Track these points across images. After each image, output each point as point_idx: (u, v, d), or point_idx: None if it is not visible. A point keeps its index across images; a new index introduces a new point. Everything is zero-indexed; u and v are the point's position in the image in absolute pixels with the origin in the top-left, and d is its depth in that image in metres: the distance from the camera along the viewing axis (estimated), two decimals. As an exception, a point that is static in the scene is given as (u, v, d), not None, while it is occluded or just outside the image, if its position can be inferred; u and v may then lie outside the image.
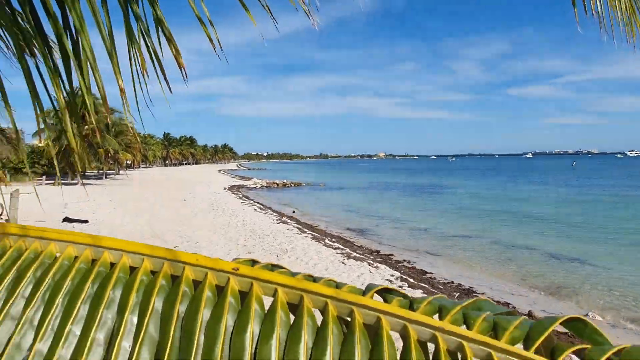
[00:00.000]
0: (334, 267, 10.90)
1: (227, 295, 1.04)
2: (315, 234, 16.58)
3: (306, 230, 17.43)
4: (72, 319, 1.00)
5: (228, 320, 1.00)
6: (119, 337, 0.98)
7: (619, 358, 0.89)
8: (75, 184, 39.93)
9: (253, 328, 0.99)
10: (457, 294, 9.61)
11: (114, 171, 65.75)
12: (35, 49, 1.48)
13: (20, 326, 0.99)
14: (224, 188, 41.91)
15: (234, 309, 1.03)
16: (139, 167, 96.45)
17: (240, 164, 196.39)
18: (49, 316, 1.00)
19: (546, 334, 0.96)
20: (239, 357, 0.95)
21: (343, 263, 11.39)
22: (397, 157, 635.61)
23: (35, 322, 1.00)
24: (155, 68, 1.36)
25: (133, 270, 1.11)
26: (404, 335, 1.00)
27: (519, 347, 0.95)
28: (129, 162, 77.87)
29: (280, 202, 31.61)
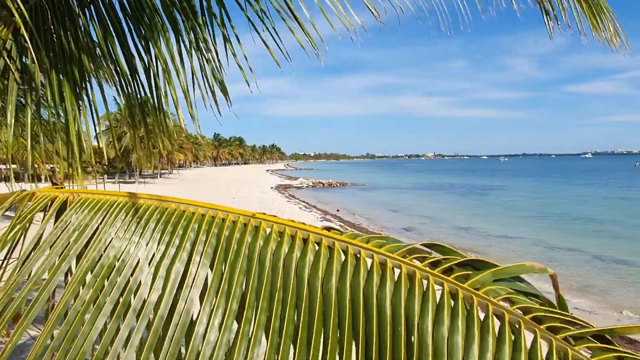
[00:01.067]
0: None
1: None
2: (359, 233, 17.07)
3: (348, 227, 18.02)
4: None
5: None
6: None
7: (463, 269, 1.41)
8: (133, 182, 42.48)
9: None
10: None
11: (167, 170, 69.14)
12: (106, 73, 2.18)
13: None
14: (271, 187, 43.22)
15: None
16: (191, 166, 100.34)
17: (287, 164, 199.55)
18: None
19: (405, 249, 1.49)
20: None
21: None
22: (446, 157, 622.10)
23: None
24: (211, 88, 2.01)
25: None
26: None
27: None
28: (181, 161, 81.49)
29: (325, 201, 32.34)
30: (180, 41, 2.01)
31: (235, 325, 1.29)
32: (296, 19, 1.84)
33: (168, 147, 54.50)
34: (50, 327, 1.31)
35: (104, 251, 1.43)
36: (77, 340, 1.25)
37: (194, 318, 1.30)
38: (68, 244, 1.48)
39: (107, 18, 2.03)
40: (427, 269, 1.41)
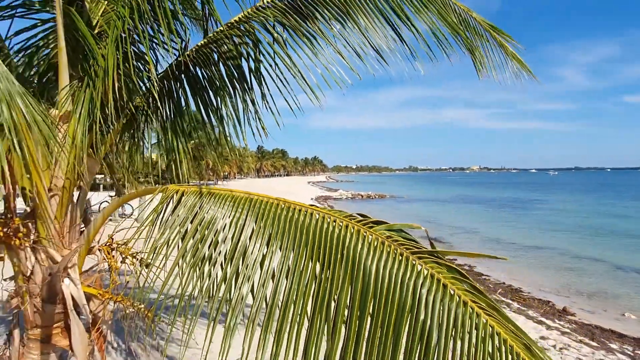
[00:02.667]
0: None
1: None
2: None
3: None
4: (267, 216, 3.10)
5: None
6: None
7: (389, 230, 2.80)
8: (183, 192, 45.19)
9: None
10: (499, 290, 10.90)
11: (213, 181, 72.49)
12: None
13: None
14: (311, 198, 44.86)
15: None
16: (235, 178, 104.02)
17: (329, 176, 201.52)
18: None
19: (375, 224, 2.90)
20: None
21: (404, 262, 13.09)
22: (492, 170, 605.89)
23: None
24: (261, 122, 3.50)
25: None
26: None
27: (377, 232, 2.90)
28: (226, 173, 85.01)
29: (362, 212, 33.44)
30: (237, 94, 3.54)
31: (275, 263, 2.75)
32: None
33: (214, 159, 57.58)
34: (179, 258, 2.80)
35: (206, 217, 2.92)
36: (194, 260, 2.74)
37: (250, 254, 2.76)
38: (185, 214, 2.98)
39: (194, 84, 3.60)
40: (362, 226, 2.82)
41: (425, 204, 44.16)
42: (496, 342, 2.17)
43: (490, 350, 2.15)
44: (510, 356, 2.13)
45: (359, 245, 2.56)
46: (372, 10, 3.50)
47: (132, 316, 3.73)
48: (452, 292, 2.32)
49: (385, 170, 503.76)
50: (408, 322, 2.26)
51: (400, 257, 2.48)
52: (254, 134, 3.51)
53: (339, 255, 2.54)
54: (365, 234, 2.63)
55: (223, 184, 72.58)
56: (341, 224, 2.69)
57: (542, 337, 7.19)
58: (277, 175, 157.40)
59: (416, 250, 2.56)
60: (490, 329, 2.21)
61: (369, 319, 2.32)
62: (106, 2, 3.16)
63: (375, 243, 2.57)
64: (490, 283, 11.89)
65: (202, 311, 2.52)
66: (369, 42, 3.41)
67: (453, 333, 2.19)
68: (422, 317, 2.26)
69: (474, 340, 2.17)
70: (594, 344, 7.30)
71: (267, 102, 3.47)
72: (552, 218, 30.93)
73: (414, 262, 2.46)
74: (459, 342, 2.17)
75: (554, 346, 6.77)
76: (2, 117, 2.45)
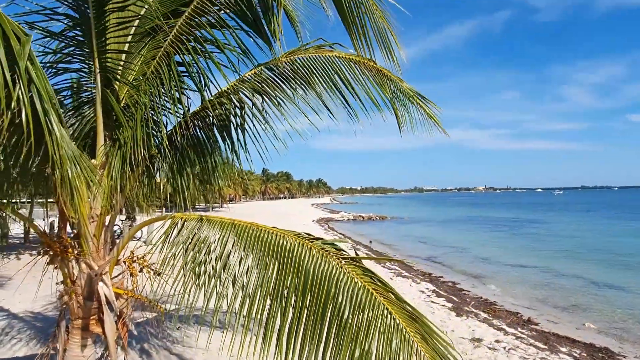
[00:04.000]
0: (382, 281, 13.75)
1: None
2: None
3: (371, 254, 20.34)
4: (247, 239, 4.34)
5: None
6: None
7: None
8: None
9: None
10: (472, 302, 11.97)
11: (218, 204, 73.84)
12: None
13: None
14: (313, 220, 45.98)
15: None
16: (240, 200, 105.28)
17: (333, 198, 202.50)
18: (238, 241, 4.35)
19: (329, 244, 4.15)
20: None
21: (390, 279, 14.20)
22: (497, 190, 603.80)
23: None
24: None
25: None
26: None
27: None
28: (231, 196, 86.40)
29: (362, 233, 34.63)
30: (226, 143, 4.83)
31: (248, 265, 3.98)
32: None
33: (220, 183, 59.20)
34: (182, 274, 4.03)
35: (201, 237, 4.16)
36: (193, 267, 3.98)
37: (232, 263, 3.99)
38: (188, 234, 4.23)
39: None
40: (306, 240, 4.05)
41: (424, 224, 45.13)
42: (385, 313, 3.38)
43: (382, 319, 3.36)
44: (393, 321, 3.34)
45: (302, 253, 3.79)
46: (326, 81, 4.84)
47: (145, 318, 4.95)
48: (360, 283, 3.54)
49: (391, 191, 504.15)
50: (331, 303, 3.48)
51: (328, 261, 3.71)
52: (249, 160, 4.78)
53: (289, 260, 3.77)
54: (307, 245, 3.86)
55: (228, 206, 73.94)
56: (291, 239, 3.92)
57: (497, 341, 8.25)
58: (282, 198, 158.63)
59: (340, 256, 3.79)
60: (382, 306, 3.42)
61: (307, 301, 3.53)
62: (130, 87, 4.46)
63: (313, 251, 3.80)
64: (468, 297, 12.93)
65: (202, 318, 3.73)
66: (323, 104, 4.77)
67: (358, 309, 3.40)
68: (340, 299, 3.48)
69: (371, 312, 3.39)
70: (544, 346, 8.34)
71: (252, 141, 4.79)
72: (544, 238, 31.81)
73: (337, 264, 3.68)
74: (361, 314, 3.38)
75: (504, 347, 7.84)
76: (69, 174, 3.72)
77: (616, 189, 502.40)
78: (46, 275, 4.32)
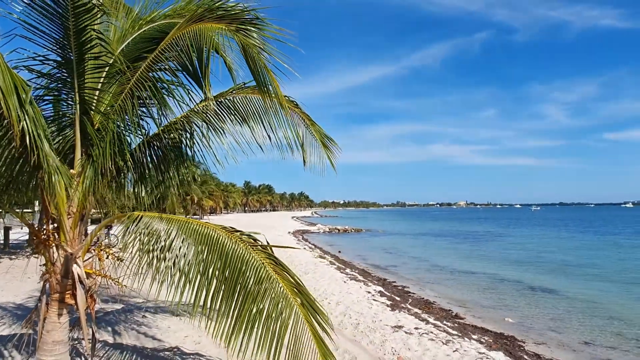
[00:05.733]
0: (336, 284, 15.17)
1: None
2: (342, 266, 20.86)
3: (335, 262, 21.78)
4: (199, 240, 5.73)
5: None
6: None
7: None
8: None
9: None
10: (411, 302, 13.46)
11: (198, 216, 74.60)
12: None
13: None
14: (289, 232, 47.25)
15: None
16: (221, 212, 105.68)
17: (315, 212, 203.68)
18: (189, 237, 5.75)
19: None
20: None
21: (344, 282, 15.62)
22: (478, 206, 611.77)
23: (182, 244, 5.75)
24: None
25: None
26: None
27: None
28: (212, 208, 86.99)
29: (334, 244, 36.05)
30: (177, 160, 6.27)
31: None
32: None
33: (199, 194, 60.01)
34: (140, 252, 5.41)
35: (152, 229, 5.54)
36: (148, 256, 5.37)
37: (175, 248, 5.38)
38: (143, 227, 5.60)
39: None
40: (229, 232, 5.49)
41: (397, 237, 46.81)
42: (277, 284, 4.82)
43: (274, 288, 4.79)
44: (281, 290, 4.78)
45: (225, 241, 5.21)
46: (256, 119, 6.31)
47: (114, 309, 6.27)
48: (262, 262, 4.98)
49: (373, 205, 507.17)
50: (241, 277, 4.90)
51: (242, 245, 5.14)
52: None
53: (215, 246, 5.18)
54: (228, 235, 5.29)
55: (209, 218, 74.70)
56: (218, 231, 5.34)
57: (416, 328, 9.71)
58: (264, 210, 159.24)
59: (252, 243, 5.22)
60: (276, 280, 4.86)
61: (225, 275, 4.94)
62: (101, 115, 5.85)
63: (233, 239, 5.22)
64: (411, 298, 14.41)
65: (156, 302, 5.10)
66: (253, 137, 6.25)
67: (258, 281, 4.83)
68: (247, 274, 4.91)
69: (267, 284, 4.82)
70: (457, 334, 9.81)
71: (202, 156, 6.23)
72: (503, 249, 33.70)
73: (247, 249, 5.11)
74: (260, 285, 4.81)
75: (420, 332, 9.29)
76: (53, 180, 5.08)
77: (592, 205, 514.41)
78: (25, 275, 5.63)
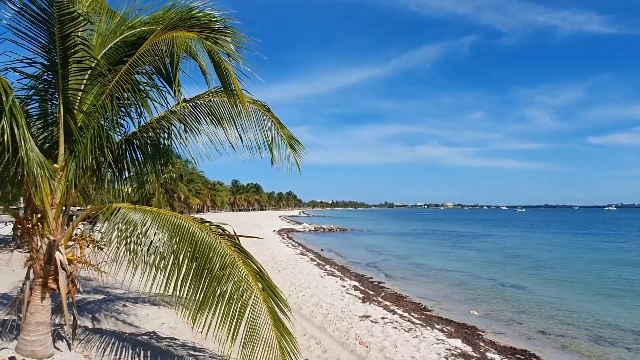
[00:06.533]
0: (313, 279, 15.74)
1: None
2: (322, 263, 21.44)
3: (316, 259, 22.38)
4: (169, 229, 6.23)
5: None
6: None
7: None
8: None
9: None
10: (384, 295, 14.10)
11: (185, 213, 74.64)
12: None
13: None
14: (274, 230, 47.73)
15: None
16: (209, 211, 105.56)
17: (303, 211, 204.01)
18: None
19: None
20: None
21: (321, 277, 16.21)
22: (465, 207, 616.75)
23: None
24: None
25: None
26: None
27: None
28: (199, 206, 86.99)
29: (317, 242, 36.62)
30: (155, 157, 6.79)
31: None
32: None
33: (185, 192, 60.13)
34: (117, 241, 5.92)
35: (130, 219, 6.05)
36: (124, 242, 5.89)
37: (150, 235, 5.90)
38: (121, 217, 6.11)
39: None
40: (199, 222, 6.04)
41: (380, 236, 47.57)
42: (240, 270, 5.37)
43: (237, 273, 5.35)
44: (240, 272, 5.33)
45: (195, 230, 5.75)
46: (230, 121, 6.84)
47: (96, 299, 6.76)
48: (226, 249, 5.53)
49: (362, 206, 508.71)
50: (208, 262, 5.44)
51: (211, 235, 5.68)
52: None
53: (186, 235, 5.71)
54: (198, 225, 5.83)
55: (195, 216, 74.76)
56: (190, 221, 5.87)
57: (382, 318, 10.31)
58: (252, 210, 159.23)
59: (220, 233, 5.77)
60: (239, 266, 5.42)
61: (194, 261, 5.48)
62: (84, 115, 6.34)
63: (203, 229, 5.76)
64: (384, 292, 15.02)
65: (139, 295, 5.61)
66: (227, 137, 6.78)
67: (223, 266, 5.38)
68: (214, 260, 5.46)
69: (231, 269, 5.38)
70: (422, 324, 10.43)
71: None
72: (482, 249, 34.57)
73: (215, 238, 5.65)
74: (225, 270, 5.36)
75: (385, 322, 9.90)
76: (35, 174, 5.57)
77: (577, 207, 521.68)
78: (10, 267, 6.09)
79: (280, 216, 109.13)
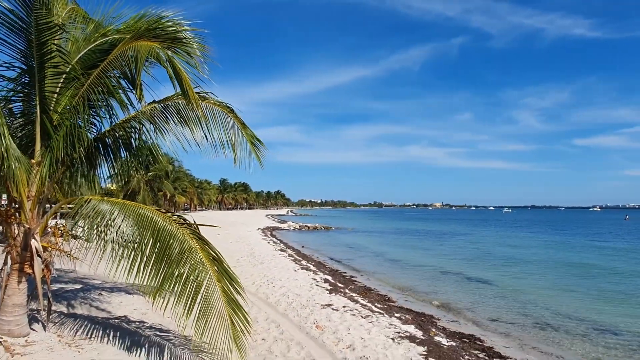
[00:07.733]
0: (286, 272, 16.42)
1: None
2: (299, 258, 22.15)
3: (293, 255, 23.09)
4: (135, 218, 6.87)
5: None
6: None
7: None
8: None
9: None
10: (352, 287, 14.85)
11: (170, 212, 74.77)
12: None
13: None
14: (258, 228, 48.31)
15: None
16: (195, 209, 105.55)
17: (291, 210, 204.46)
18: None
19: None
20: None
21: (295, 271, 16.91)
22: (453, 207, 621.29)
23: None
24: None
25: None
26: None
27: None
28: (186, 205, 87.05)
29: (299, 240, 37.29)
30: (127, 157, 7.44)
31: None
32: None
33: (171, 190, 60.45)
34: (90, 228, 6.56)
35: (99, 209, 6.69)
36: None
37: (117, 225, 6.54)
38: (92, 207, 6.74)
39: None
40: (163, 214, 6.70)
41: (364, 235, 48.44)
42: (197, 254, 6.05)
43: (194, 257, 6.02)
44: (197, 256, 6.01)
45: (158, 219, 6.40)
46: (195, 122, 7.50)
47: (72, 288, 7.38)
48: (185, 236, 6.19)
49: (351, 205, 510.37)
50: (169, 248, 6.10)
51: (172, 224, 6.34)
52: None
53: (150, 223, 6.36)
54: (161, 215, 6.48)
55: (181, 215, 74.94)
56: (153, 211, 6.52)
57: (344, 307, 11.02)
58: (240, 208, 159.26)
59: (181, 222, 6.42)
60: (196, 251, 6.09)
61: (156, 247, 6.13)
62: (59, 115, 6.96)
63: (166, 219, 6.41)
64: (354, 285, 15.75)
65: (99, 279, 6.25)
66: (193, 137, 7.44)
67: (182, 251, 6.05)
68: (174, 245, 6.12)
69: (189, 254, 6.05)
70: (381, 312, 11.19)
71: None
72: (460, 247, 35.59)
73: (176, 226, 6.31)
74: (184, 255, 6.04)
75: (345, 310, 10.63)
76: (13, 168, 6.18)
77: (562, 208, 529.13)
78: None
79: (267, 215, 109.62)
